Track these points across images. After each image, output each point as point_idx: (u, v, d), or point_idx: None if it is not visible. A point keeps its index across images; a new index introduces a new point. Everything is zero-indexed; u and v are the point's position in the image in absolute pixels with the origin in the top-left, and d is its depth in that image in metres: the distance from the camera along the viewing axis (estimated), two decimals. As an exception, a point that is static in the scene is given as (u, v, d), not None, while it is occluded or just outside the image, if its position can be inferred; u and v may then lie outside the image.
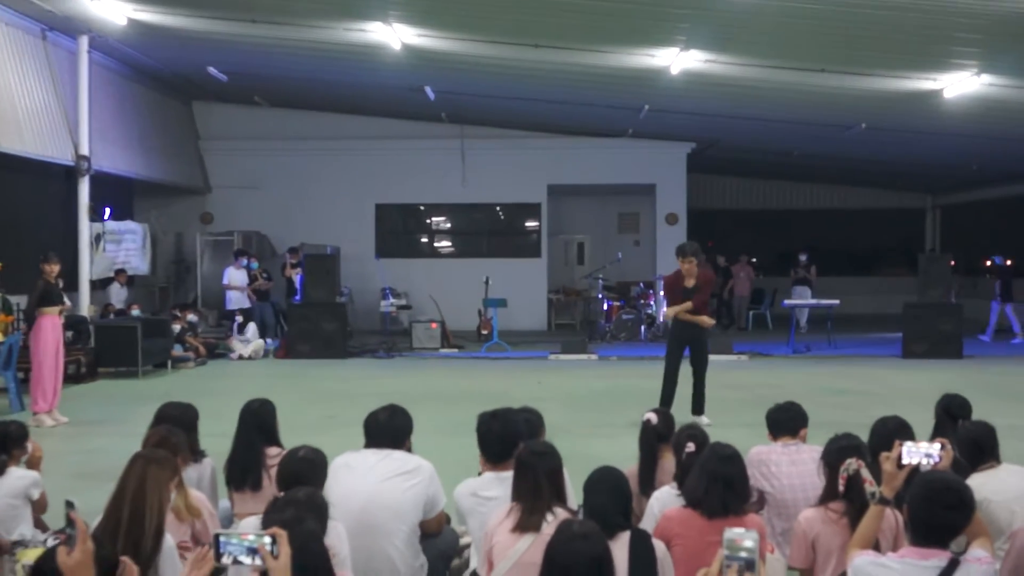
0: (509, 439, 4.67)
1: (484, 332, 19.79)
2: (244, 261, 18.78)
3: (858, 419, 6.03)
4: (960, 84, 13.82)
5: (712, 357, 15.80)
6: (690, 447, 4.79)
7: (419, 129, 22.98)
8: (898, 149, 20.53)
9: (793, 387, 13.05)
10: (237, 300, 18.51)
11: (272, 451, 5.41)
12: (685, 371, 10.64)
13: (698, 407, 10.64)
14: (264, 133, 22.96)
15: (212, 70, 18.36)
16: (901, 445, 3.95)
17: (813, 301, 20.47)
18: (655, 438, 5.34)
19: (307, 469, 4.33)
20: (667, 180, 23.01)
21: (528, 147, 23.00)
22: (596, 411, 11.52)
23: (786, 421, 5.48)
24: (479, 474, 4.85)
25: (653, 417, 5.42)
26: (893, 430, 4.79)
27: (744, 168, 26.56)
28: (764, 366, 16.11)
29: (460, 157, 22.96)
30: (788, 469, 5.25)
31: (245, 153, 22.97)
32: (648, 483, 5.17)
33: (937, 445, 3.97)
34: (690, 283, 10.49)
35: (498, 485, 4.58)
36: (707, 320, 10.60)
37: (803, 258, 22.92)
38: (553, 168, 22.96)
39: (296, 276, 19.06)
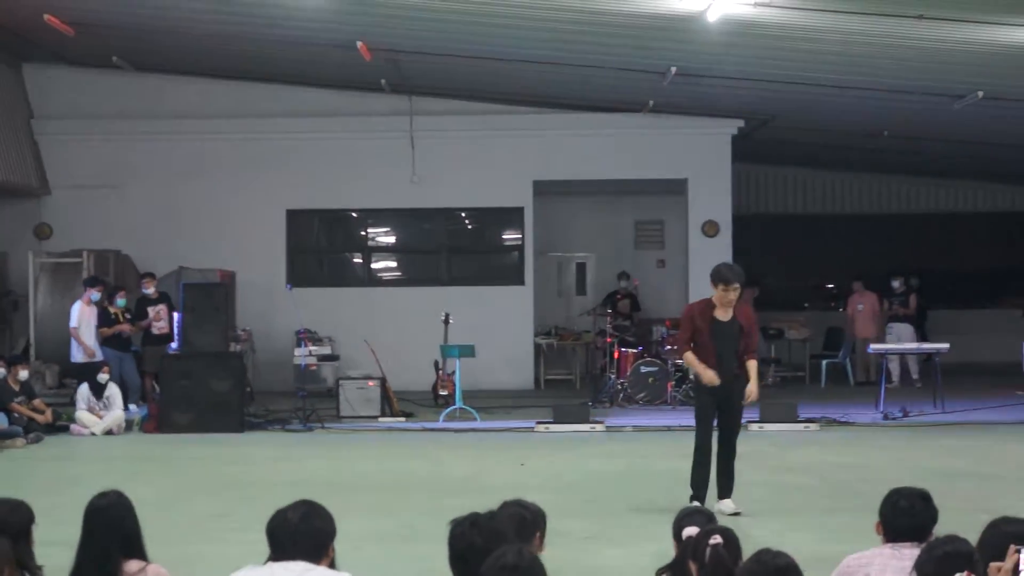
0: None
1: (443, 393, 19.79)
2: (95, 295, 18.51)
3: (971, 515, 6.12)
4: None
5: (768, 426, 16.27)
6: (715, 540, 4.87)
7: (350, 103, 23.03)
8: (1030, 128, 20.75)
9: (884, 468, 13.15)
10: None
11: (133, 566, 5.37)
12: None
13: (724, 488, 10.81)
14: (127, 110, 22.89)
15: (51, 17, 18.33)
16: (1017, 552, 4.03)
17: (913, 346, 20.57)
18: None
19: None
20: (704, 174, 23.10)
21: (506, 128, 23.08)
22: (601, 505, 11.55)
23: (923, 522, 5.42)
24: None
25: (718, 539, 5.08)
26: (1011, 534, 4.85)
27: (812, 157, 26.70)
28: (842, 438, 16.23)
29: (409, 142, 22.95)
30: (891, 577, 5.34)
31: (99, 139, 22.91)
32: None
33: (1070, 553, 4.06)
34: (724, 315, 10.63)
35: None
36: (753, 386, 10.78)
37: (896, 284, 23.06)
38: (541, 158, 23.03)
39: (159, 317, 19.01)
